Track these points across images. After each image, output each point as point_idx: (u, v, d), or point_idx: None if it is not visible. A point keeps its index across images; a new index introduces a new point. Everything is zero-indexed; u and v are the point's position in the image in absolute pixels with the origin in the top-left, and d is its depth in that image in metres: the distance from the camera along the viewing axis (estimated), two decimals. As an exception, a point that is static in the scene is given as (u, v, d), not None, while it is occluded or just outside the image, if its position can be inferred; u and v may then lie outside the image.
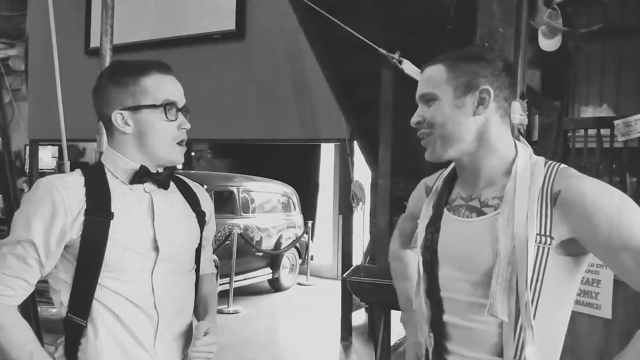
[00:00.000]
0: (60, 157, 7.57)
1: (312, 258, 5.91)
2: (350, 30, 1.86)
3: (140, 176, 0.97)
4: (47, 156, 7.77)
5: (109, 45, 1.75)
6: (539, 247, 0.83)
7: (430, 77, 0.91)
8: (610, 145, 2.99)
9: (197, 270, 1.11)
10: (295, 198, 5.87)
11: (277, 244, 5.45)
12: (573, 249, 0.85)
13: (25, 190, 6.56)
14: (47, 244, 0.90)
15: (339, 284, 3.98)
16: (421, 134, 0.92)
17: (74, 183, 0.93)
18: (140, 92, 0.95)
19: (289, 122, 4.11)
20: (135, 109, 0.95)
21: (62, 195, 0.90)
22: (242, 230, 4.81)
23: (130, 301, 0.95)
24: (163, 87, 0.96)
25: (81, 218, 0.91)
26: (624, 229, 0.80)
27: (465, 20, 2.03)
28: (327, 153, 6.47)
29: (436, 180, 1.03)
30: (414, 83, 1.66)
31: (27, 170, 7.05)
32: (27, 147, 7.00)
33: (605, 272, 1.55)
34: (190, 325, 1.09)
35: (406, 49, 1.72)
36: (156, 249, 0.97)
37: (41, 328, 1.79)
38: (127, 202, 0.96)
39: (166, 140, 0.97)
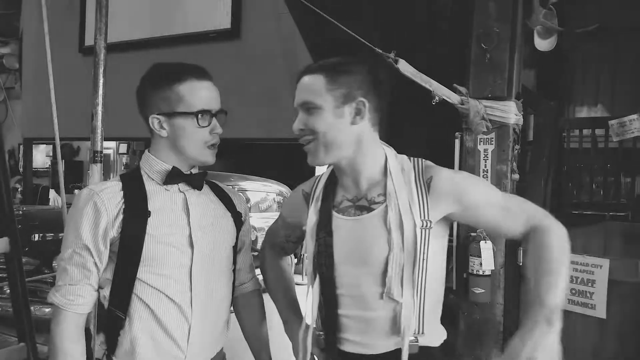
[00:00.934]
0: (55, 155, 7.52)
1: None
2: (346, 29, 1.86)
3: (173, 177, 1.03)
4: (40, 155, 7.71)
5: (103, 43, 1.74)
6: (422, 230, 0.94)
7: (311, 86, 0.97)
8: (605, 145, 3.00)
9: (234, 271, 1.14)
10: (291, 197, 5.87)
11: (273, 244, 5.44)
12: (439, 231, 0.99)
13: (19, 189, 6.51)
14: (97, 245, 0.97)
15: (334, 283, 3.98)
16: (304, 141, 0.99)
17: (112, 188, 1.01)
18: (176, 98, 0.99)
19: (285, 121, 4.10)
20: (170, 115, 1.00)
21: (102, 198, 0.98)
22: (237, 230, 4.80)
23: (168, 297, 0.99)
24: (197, 94, 1.00)
25: (120, 217, 0.98)
26: (485, 190, 1.00)
27: (462, 20, 2.03)
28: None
29: (314, 186, 1.09)
30: (409, 82, 1.66)
31: (21, 170, 7.00)
32: (21, 146, 6.95)
33: (599, 272, 1.56)
34: (226, 323, 1.13)
35: (402, 49, 1.71)
36: (192, 245, 1.01)
37: (33, 327, 1.77)
38: (162, 201, 1.02)
39: (197, 144, 1.02)
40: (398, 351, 0.95)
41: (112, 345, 1.01)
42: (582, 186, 3.23)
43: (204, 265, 1.03)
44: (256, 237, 5.25)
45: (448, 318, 1.09)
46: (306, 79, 0.98)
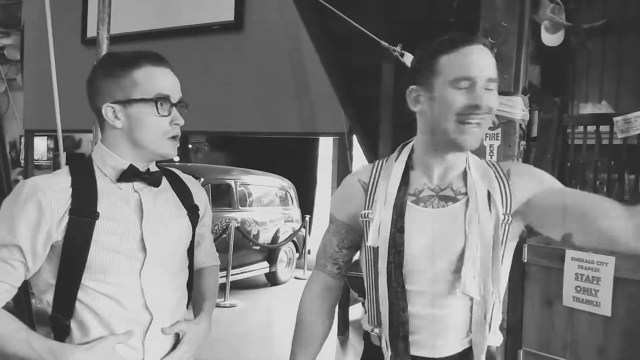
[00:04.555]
0: (56, 148, 7.51)
1: (309, 252, 5.91)
2: (352, 22, 1.84)
3: (128, 176, 0.95)
4: (41, 147, 7.70)
5: (106, 33, 1.72)
6: (503, 225, 0.89)
7: (491, 60, 0.87)
8: (609, 142, 2.98)
9: (191, 267, 1.08)
10: (292, 192, 5.85)
11: (275, 238, 5.44)
12: (514, 231, 0.93)
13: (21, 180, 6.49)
14: (34, 247, 0.88)
15: (336, 278, 3.98)
16: (479, 120, 0.86)
17: (60, 185, 0.91)
18: (131, 85, 0.91)
19: (288, 115, 4.08)
20: (126, 102, 0.92)
21: (48, 197, 0.88)
22: (239, 224, 4.79)
23: (118, 302, 0.93)
24: (155, 79, 0.92)
25: (66, 218, 0.89)
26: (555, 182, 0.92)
27: (468, 13, 2.01)
28: (326, 147, 6.45)
29: (372, 175, 0.98)
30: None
31: (22, 162, 7.00)
32: (22, 138, 6.94)
33: (605, 269, 1.55)
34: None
35: (408, 42, 1.69)
36: (144, 249, 0.95)
37: (34, 321, 1.77)
38: (114, 202, 0.94)
39: (157, 135, 0.93)
40: (465, 352, 0.92)
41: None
42: (585, 183, 3.21)
43: (156, 269, 0.96)
44: (258, 232, 5.25)
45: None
46: (483, 50, 0.86)
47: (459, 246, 0.89)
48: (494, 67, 0.87)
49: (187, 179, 1.11)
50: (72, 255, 0.90)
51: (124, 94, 0.92)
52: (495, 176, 0.92)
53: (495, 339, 0.95)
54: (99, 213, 0.91)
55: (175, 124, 0.94)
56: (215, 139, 7.06)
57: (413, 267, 0.91)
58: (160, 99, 0.92)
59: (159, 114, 0.92)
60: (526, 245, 1.72)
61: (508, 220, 0.90)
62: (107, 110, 0.93)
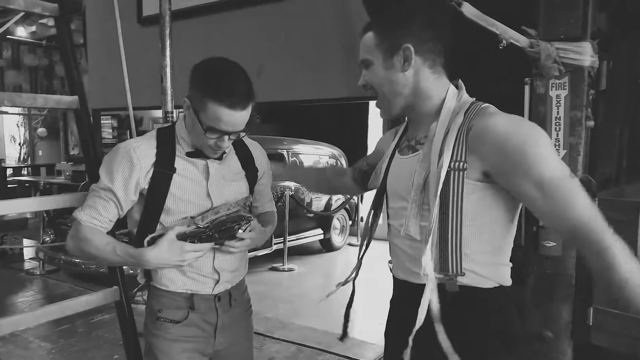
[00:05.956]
0: (120, 126, 7.98)
1: (362, 219, 5.97)
2: (405, -25, 1.77)
3: (195, 154, 1.19)
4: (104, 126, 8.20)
5: (168, 5, 1.81)
6: (451, 172, 0.93)
7: (365, 44, 1.04)
8: (692, 91, 2.70)
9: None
10: (343, 160, 5.88)
11: (327, 206, 5.54)
12: (495, 187, 0.94)
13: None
14: (126, 192, 1.15)
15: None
16: (371, 94, 1.06)
17: (148, 144, 1.17)
18: (202, 105, 1.09)
19: (336, 80, 4.06)
20: (194, 111, 1.12)
21: (137, 155, 1.15)
22: (293, 192, 4.92)
23: None
24: (218, 119, 1.09)
25: (151, 171, 1.16)
26: (527, 159, 0.87)
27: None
28: (376, 111, 6.36)
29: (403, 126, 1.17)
30: (475, 28, 1.57)
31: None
32: (91, 118, 7.41)
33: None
34: (243, 259, 1.31)
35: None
36: (209, 197, 1.19)
37: (124, 272, 1.93)
38: (186, 163, 1.19)
39: (202, 143, 1.16)
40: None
41: (148, 275, 1.23)
42: (662, 139, 2.95)
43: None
44: (311, 200, 5.36)
45: (515, 273, 1.06)
46: (364, 36, 1.05)
47: (409, 189, 0.99)
48: (363, 49, 1.05)
49: (251, 143, 1.33)
50: (154, 200, 1.16)
51: (196, 104, 1.11)
52: (461, 125, 0.95)
53: (478, 281, 0.97)
54: (176, 168, 1.17)
55: (218, 145, 1.14)
56: (267, 111, 7.16)
57: (392, 204, 1.08)
58: (211, 130, 1.10)
59: (206, 137, 1.12)
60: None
61: (459, 167, 0.93)
62: (185, 100, 1.15)
